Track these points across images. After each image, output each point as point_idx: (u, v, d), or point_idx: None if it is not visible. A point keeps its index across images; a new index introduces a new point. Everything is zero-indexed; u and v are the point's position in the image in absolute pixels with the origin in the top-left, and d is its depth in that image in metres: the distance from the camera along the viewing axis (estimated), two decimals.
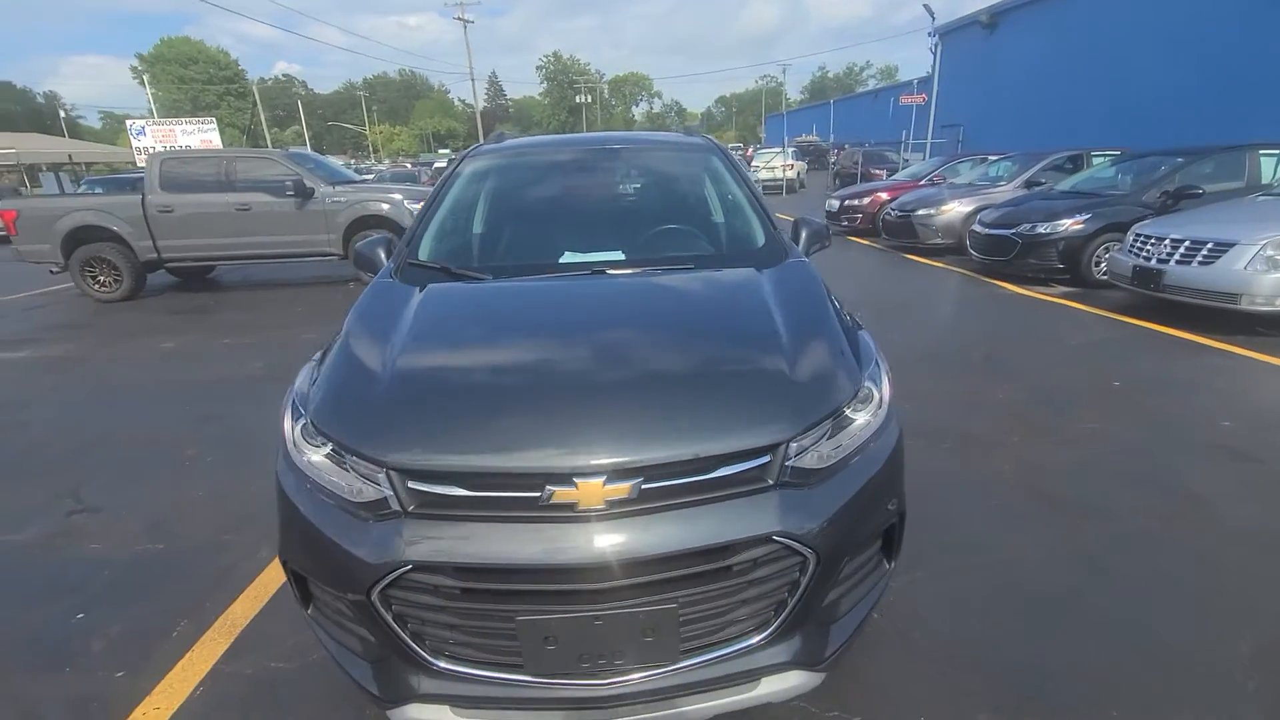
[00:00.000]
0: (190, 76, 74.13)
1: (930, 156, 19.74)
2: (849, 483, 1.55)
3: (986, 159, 12.11)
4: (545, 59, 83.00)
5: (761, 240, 2.52)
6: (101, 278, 8.84)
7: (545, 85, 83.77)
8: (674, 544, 1.36)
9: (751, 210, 2.65)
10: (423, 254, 2.40)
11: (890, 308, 6.70)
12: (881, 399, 1.72)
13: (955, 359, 4.98)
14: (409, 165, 36.29)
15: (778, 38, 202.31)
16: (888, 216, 10.59)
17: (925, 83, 25.48)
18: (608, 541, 1.34)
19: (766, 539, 1.40)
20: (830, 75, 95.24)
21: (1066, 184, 8.70)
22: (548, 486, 1.37)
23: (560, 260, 2.37)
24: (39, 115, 72.65)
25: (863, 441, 1.63)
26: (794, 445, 1.49)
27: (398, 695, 1.48)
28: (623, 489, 1.37)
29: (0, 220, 9.14)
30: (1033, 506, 2.86)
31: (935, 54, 22.56)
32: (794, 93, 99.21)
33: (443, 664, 1.43)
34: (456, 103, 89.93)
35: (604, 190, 2.93)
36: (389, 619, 1.40)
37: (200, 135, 31.25)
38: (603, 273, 2.22)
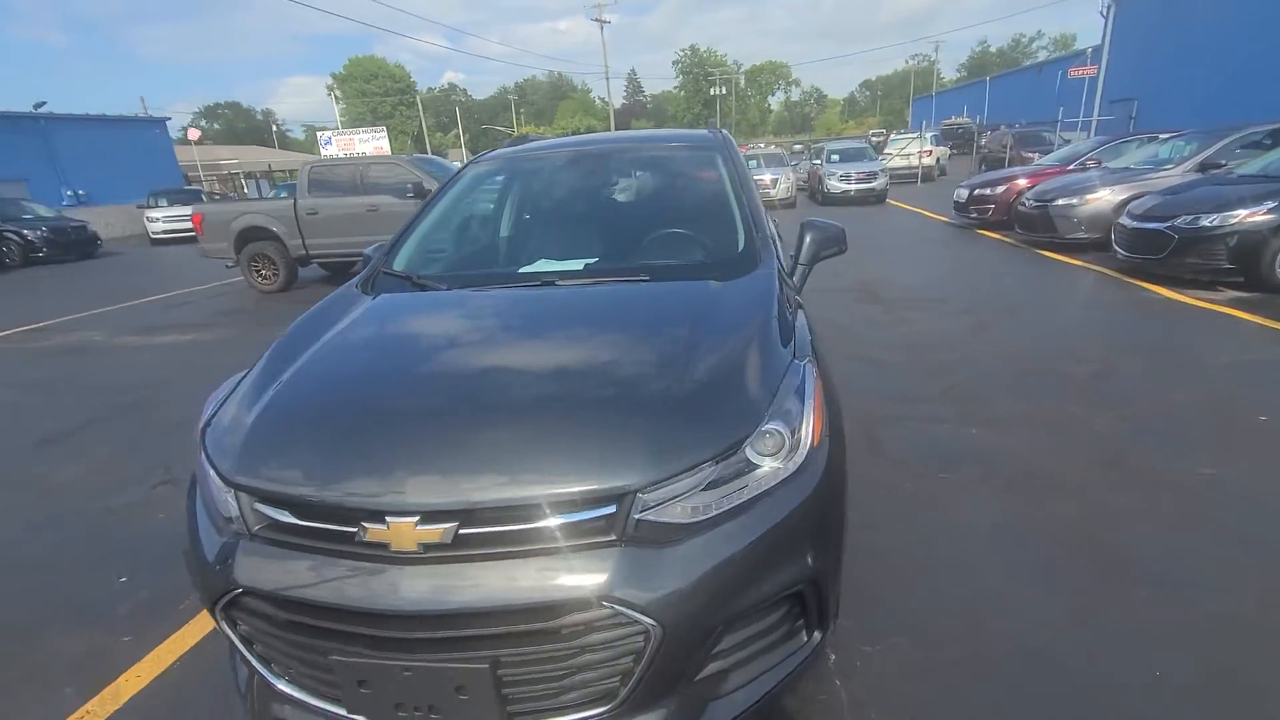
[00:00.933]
0: (371, 90, 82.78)
1: (1095, 136, 17.24)
2: (731, 541, 1.33)
3: (1157, 138, 10.31)
4: (681, 53, 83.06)
5: (740, 247, 2.27)
6: (264, 271, 10.09)
7: (680, 79, 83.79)
8: (486, 599, 1.23)
9: (738, 214, 2.40)
10: (397, 261, 2.42)
11: (995, 312, 5.90)
12: (797, 443, 1.46)
13: (1054, 376, 4.26)
14: None
15: (935, 12, 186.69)
16: (1022, 207, 9.36)
17: (1098, 53, 22.30)
18: (413, 588, 1.24)
19: (596, 603, 1.23)
20: (993, 50, 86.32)
21: (1253, 166, 7.15)
22: (362, 523, 1.29)
23: (520, 270, 2.29)
24: (258, 130, 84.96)
25: (763, 491, 1.39)
26: (647, 496, 1.30)
27: (257, 710, 1.48)
28: (435, 532, 1.26)
29: (191, 222, 10.77)
30: (1077, 574, 2.34)
31: (1106, 18, 19.61)
32: (950, 71, 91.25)
33: (284, 688, 1.41)
34: (596, 101, 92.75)
35: (590, 195, 2.81)
36: (233, 636, 1.40)
37: (373, 143, 34.87)
38: (553, 284, 2.11)
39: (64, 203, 23.50)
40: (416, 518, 1.26)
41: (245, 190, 35.67)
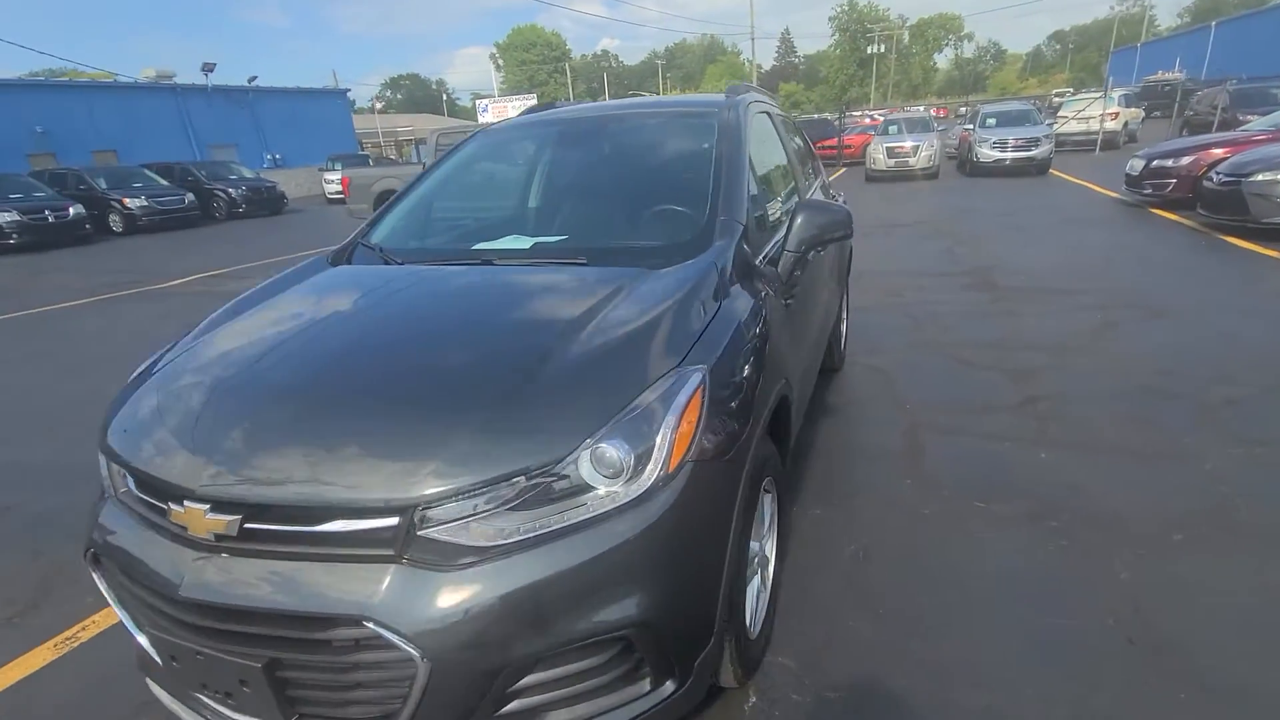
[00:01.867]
0: (529, 59, 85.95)
1: None
2: (527, 572, 1.16)
3: None
4: (838, 9, 77.04)
5: (697, 229, 1.98)
6: None
7: (835, 37, 78.09)
8: (257, 600, 1.17)
9: (710, 192, 2.08)
10: (376, 232, 2.40)
11: (1134, 311, 4.89)
12: (642, 466, 1.24)
13: (1181, 400, 3.44)
14: None
15: None
16: (1208, 183, 7.67)
17: None
18: (198, 577, 1.22)
19: (357, 621, 1.13)
20: None
21: None
22: (169, 503, 1.28)
23: (475, 247, 2.16)
24: (433, 99, 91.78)
25: (587, 519, 1.20)
26: (433, 511, 1.16)
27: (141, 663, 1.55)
28: (221, 523, 1.21)
29: (340, 185, 11.88)
30: (1123, 663, 1.85)
31: None
32: (1168, 19, 76.99)
33: (142, 641, 1.46)
34: (745, 64, 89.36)
35: (571, 169, 2.60)
36: (103, 588, 1.47)
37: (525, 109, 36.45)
38: (490, 263, 1.98)
39: (264, 165, 26.97)
40: (207, 505, 1.23)
41: (409, 156, 38.83)
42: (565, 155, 2.62)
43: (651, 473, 1.26)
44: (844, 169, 19.45)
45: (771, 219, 2.38)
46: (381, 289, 1.97)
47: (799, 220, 2.10)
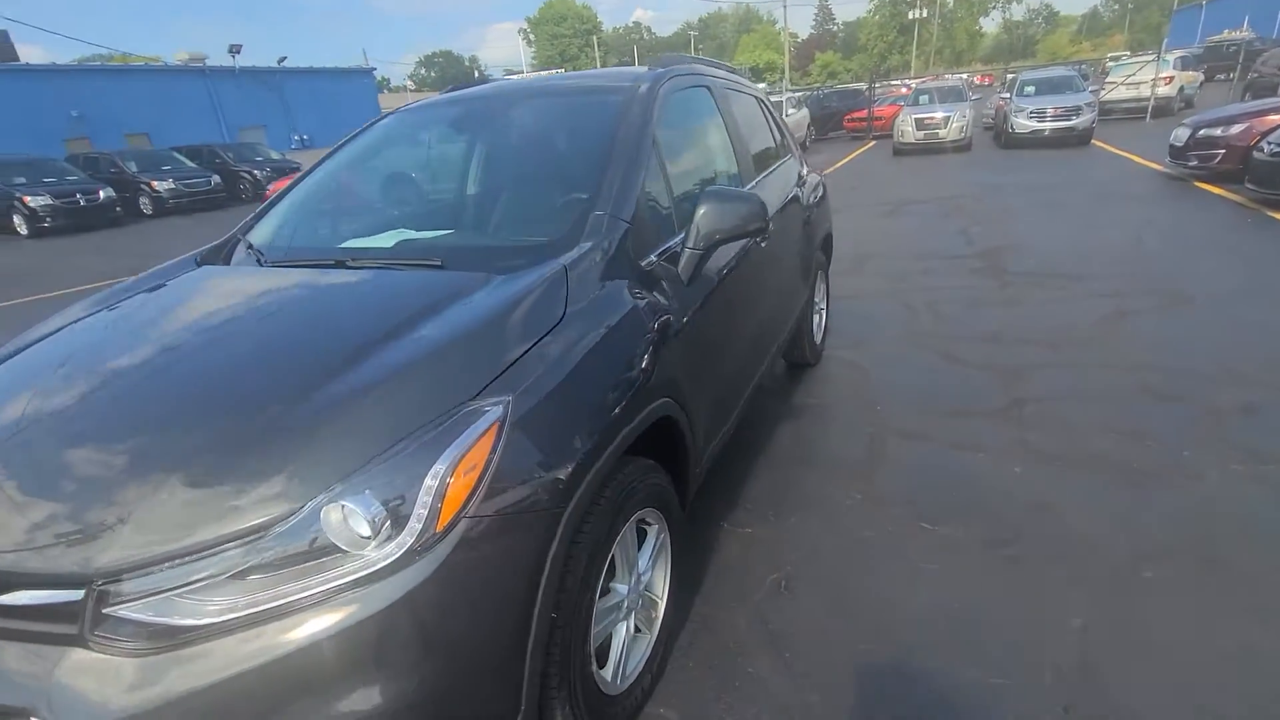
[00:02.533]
0: (560, 33, 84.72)
1: None
2: (256, 651, 0.97)
3: None
4: None
5: (564, 229, 1.72)
6: None
7: (875, 2, 74.68)
8: None
9: (595, 184, 1.82)
10: (259, 227, 2.20)
11: (1153, 299, 4.43)
12: (404, 526, 1.03)
13: (1187, 403, 3.06)
14: None
15: None
16: (1258, 154, 6.98)
17: None
18: None
19: (25, 715, 0.95)
20: None
21: None
22: None
23: (340, 244, 1.95)
24: (465, 77, 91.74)
25: (333, 588, 1.00)
26: (127, 584, 0.97)
27: None
28: None
29: None
30: None
31: None
32: None
33: None
34: (780, 33, 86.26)
35: (461, 157, 2.35)
36: None
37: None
38: (344, 265, 1.76)
39: (291, 146, 27.27)
40: None
41: None
42: (459, 141, 2.37)
43: (413, 532, 1.05)
44: (873, 142, 18.61)
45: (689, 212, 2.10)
46: (208, 299, 1.78)
47: (701, 212, 1.83)
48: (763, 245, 2.48)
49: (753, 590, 2.11)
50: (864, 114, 19.95)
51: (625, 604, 1.61)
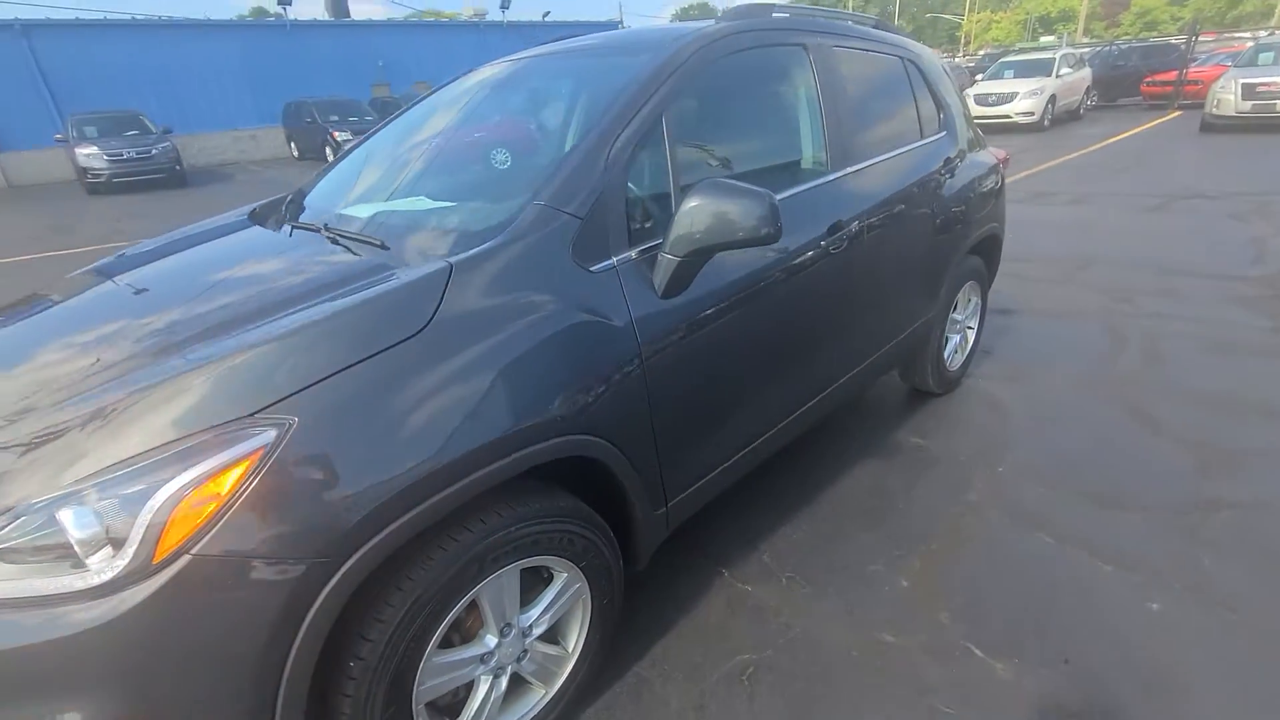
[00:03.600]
0: None
1: None
2: None
3: None
4: None
5: (499, 219, 1.44)
6: None
7: None
8: None
9: (550, 173, 1.50)
10: (317, 186, 2.25)
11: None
12: (121, 550, 0.94)
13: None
14: (959, 60, 30.84)
15: None
16: None
17: None
18: None
19: None
20: None
21: None
22: None
23: (339, 210, 1.88)
24: None
25: (34, 595, 0.95)
26: None
27: None
28: None
29: None
30: None
31: None
32: None
33: None
34: None
35: (477, 122, 2.09)
36: None
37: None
38: (318, 231, 1.70)
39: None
40: None
41: None
42: (490, 107, 2.15)
43: (126, 557, 0.94)
44: (1178, 113, 14.57)
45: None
46: (197, 259, 1.83)
47: (682, 210, 1.44)
48: (831, 250, 1.96)
49: (710, 668, 1.75)
50: (1171, 76, 15.67)
51: (496, 657, 1.40)
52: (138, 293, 1.63)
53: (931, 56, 2.80)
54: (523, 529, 1.31)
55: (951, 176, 2.64)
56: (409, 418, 1.12)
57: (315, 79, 22.61)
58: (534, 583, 1.47)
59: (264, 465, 0.99)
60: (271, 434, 1.01)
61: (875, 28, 2.61)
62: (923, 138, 2.59)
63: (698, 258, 1.49)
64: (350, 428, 1.07)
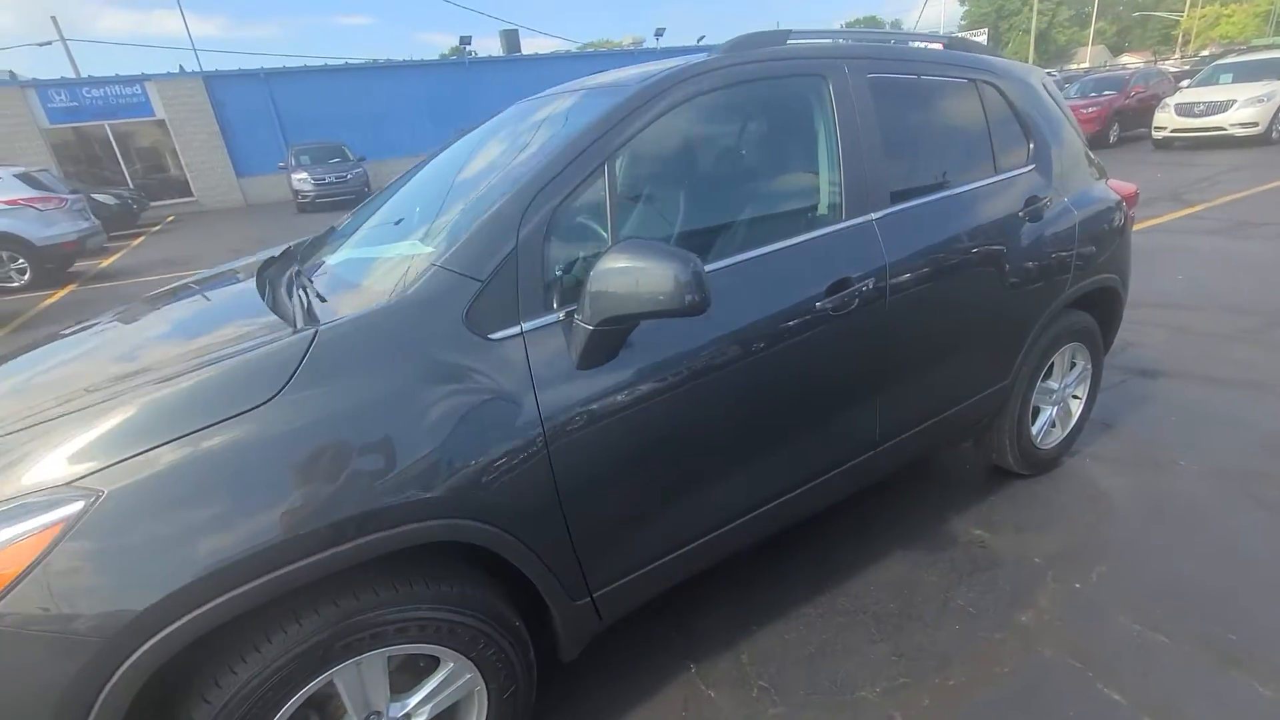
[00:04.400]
0: None
1: None
2: None
3: None
4: None
5: (395, 280, 1.33)
6: None
7: None
8: None
9: (459, 232, 1.37)
10: (343, 223, 2.31)
11: None
12: None
13: None
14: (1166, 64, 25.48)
15: None
16: None
17: None
18: None
19: None
20: None
21: None
22: None
23: (329, 255, 1.89)
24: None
25: None
26: None
27: None
28: None
29: None
30: None
31: None
32: None
33: None
34: None
35: (468, 163, 1.97)
36: None
37: None
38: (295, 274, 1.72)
39: None
40: None
41: None
42: (477, 146, 2.05)
43: None
44: None
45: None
46: (171, 312, 1.84)
47: (596, 273, 1.25)
48: (834, 314, 1.64)
49: None
50: None
51: None
52: (90, 348, 1.66)
53: (1025, 76, 2.31)
54: (385, 615, 1.20)
55: (1038, 218, 2.14)
56: (233, 496, 1.06)
57: (487, 108, 24.84)
58: (422, 666, 1.36)
59: (64, 537, 0.97)
60: (78, 505, 0.99)
61: (946, 47, 2.21)
62: (997, 173, 2.13)
63: (615, 326, 1.30)
64: (164, 504, 1.02)
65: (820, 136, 1.78)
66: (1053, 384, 2.49)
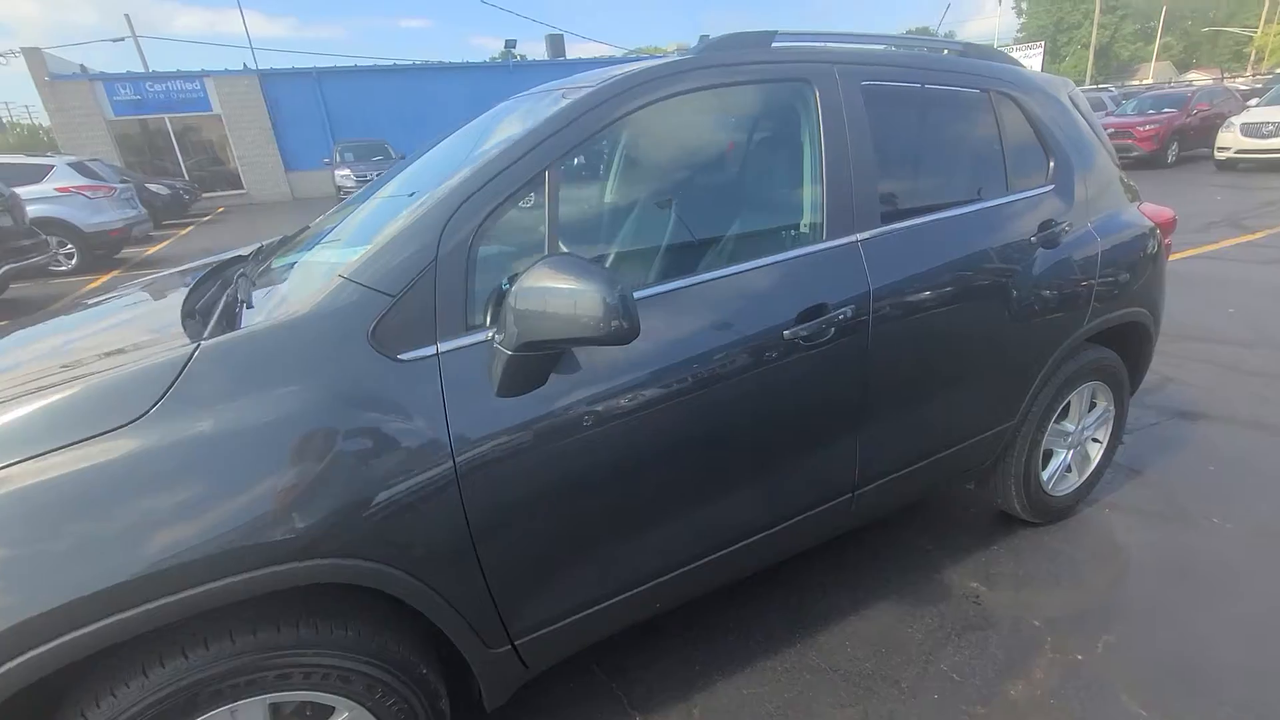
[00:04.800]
0: None
1: None
2: None
3: None
4: None
5: (307, 293, 1.22)
6: None
7: None
8: None
9: (377, 242, 1.25)
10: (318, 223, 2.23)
11: None
12: None
13: None
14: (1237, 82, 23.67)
15: None
16: None
17: None
18: None
19: None
20: None
21: None
22: None
23: (281, 256, 1.80)
24: None
25: None
26: None
27: None
28: None
29: None
30: None
31: None
32: None
33: None
34: None
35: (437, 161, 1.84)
36: None
37: (1025, 62, 30.10)
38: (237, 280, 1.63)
39: None
40: None
41: None
42: (457, 142, 1.91)
43: None
44: None
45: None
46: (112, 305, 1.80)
47: (513, 292, 1.12)
48: (803, 343, 1.48)
49: None
50: None
51: None
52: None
53: (1049, 88, 2.09)
54: (266, 660, 1.09)
55: (1054, 244, 1.93)
56: (87, 526, 0.96)
57: None
58: (313, 715, 1.24)
59: None
60: None
61: (962, 54, 2.02)
62: (1009, 193, 1.92)
63: (537, 352, 1.17)
64: (12, 530, 0.93)
65: (801, 149, 1.61)
66: (1068, 425, 2.25)
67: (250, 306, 1.39)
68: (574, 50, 34.77)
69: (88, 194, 8.70)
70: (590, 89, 1.39)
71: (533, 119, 1.39)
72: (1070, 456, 2.31)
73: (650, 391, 1.33)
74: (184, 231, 13.50)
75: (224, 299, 1.45)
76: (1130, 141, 12.29)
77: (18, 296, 7.42)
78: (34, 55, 17.76)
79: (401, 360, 1.17)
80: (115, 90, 18.71)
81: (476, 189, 1.25)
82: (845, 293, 1.56)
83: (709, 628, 1.93)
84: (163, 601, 0.98)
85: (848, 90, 1.64)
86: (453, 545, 1.20)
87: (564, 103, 1.38)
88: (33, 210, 7.71)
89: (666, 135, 1.55)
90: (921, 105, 1.84)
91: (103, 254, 9.16)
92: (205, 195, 18.73)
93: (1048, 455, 2.26)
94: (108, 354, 1.27)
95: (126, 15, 24.79)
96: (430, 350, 1.19)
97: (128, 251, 10.11)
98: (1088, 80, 37.54)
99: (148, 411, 1.02)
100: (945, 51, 2.01)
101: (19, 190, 7.57)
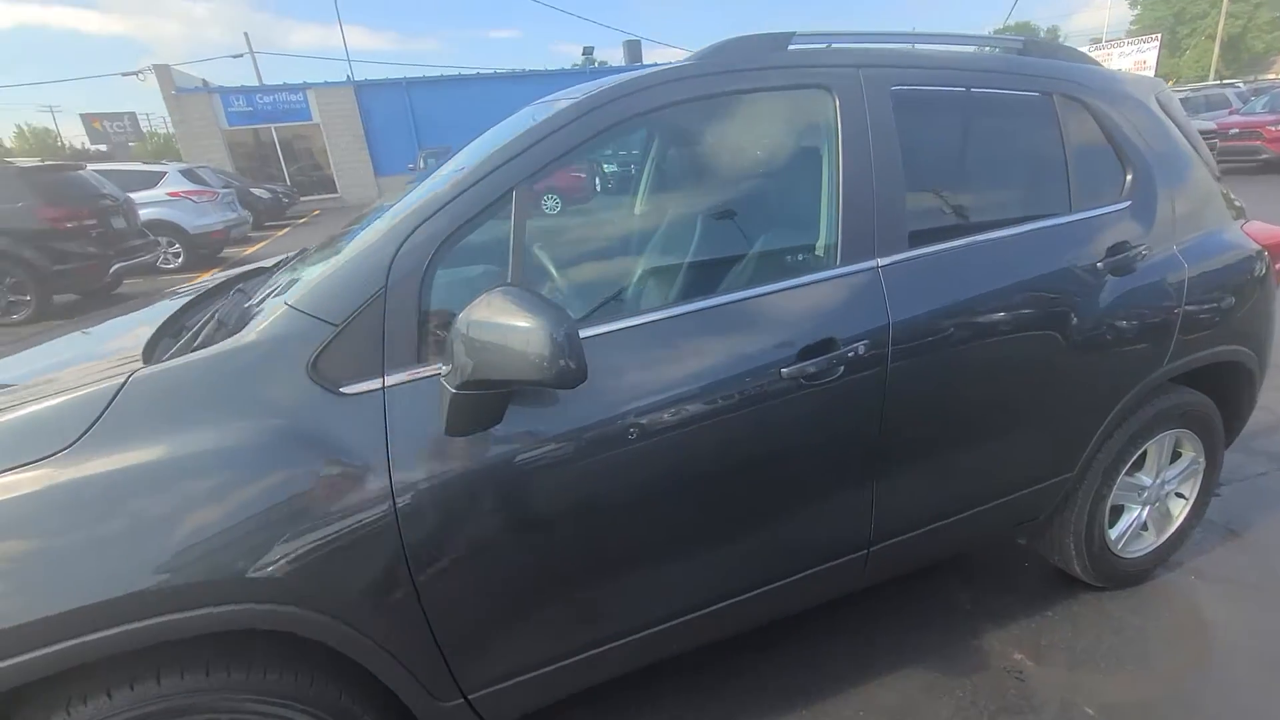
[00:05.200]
0: None
1: None
2: None
3: None
4: None
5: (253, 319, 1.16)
6: None
7: None
8: None
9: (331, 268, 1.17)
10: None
11: None
12: None
13: None
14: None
15: None
16: None
17: None
18: None
19: None
20: None
21: None
22: None
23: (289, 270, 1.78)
24: None
25: None
26: None
27: None
28: None
29: None
30: None
31: None
32: None
33: None
34: None
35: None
36: None
37: (1135, 57, 27.53)
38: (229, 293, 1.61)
39: None
40: None
41: None
42: (464, 152, 1.82)
43: None
44: None
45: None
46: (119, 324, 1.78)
47: (456, 326, 1.02)
48: (805, 382, 1.30)
49: None
50: None
51: None
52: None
53: (1131, 90, 1.79)
54: (193, 701, 1.04)
55: (1127, 270, 1.64)
56: (3, 561, 0.93)
57: None
58: None
59: None
60: None
61: (1021, 52, 1.76)
62: (1072, 211, 1.65)
63: (483, 391, 1.06)
64: None
65: (817, 163, 1.43)
66: (1144, 478, 1.93)
67: (225, 325, 1.36)
68: (651, 55, 34.86)
69: (194, 198, 9.45)
70: (570, 101, 1.28)
71: (509, 133, 1.29)
72: (1146, 513, 1.98)
73: (615, 432, 1.20)
74: (281, 233, 14.47)
75: (203, 320, 1.43)
76: (1259, 143, 10.90)
77: (130, 291, 8.13)
78: (163, 71, 19.60)
79: (344, 393, 1.10)
80: (230, 102, 20.35)
81: (432, 213, 1.16)
82: (859, 325, 1.37)
83: (703, 691, 1.77)
84: (75, 642, 0.94)
85: (873, 96, 1.44)
86: (392, 592, 1.12)
87: (543, 116, 1.27)
88: (145, 213, 8.44)
89: (661, 149, 1.42)
90: (965, 111, 1.61)
91: (206, 253, 9.93)
92: (303, 199, 20.05)
93: (1118, 510, 1.95)
94: (60, 379, 1.26)
95: (245, 33, 26.95)
96: (376, 383, 1.11)
97: (228, 251, 10.92)
98: (1211, 75, 33.84)
99: (75, 442, 0.99)
100: (995, 50, 1.75)
101: (136, 195, 8.31)
